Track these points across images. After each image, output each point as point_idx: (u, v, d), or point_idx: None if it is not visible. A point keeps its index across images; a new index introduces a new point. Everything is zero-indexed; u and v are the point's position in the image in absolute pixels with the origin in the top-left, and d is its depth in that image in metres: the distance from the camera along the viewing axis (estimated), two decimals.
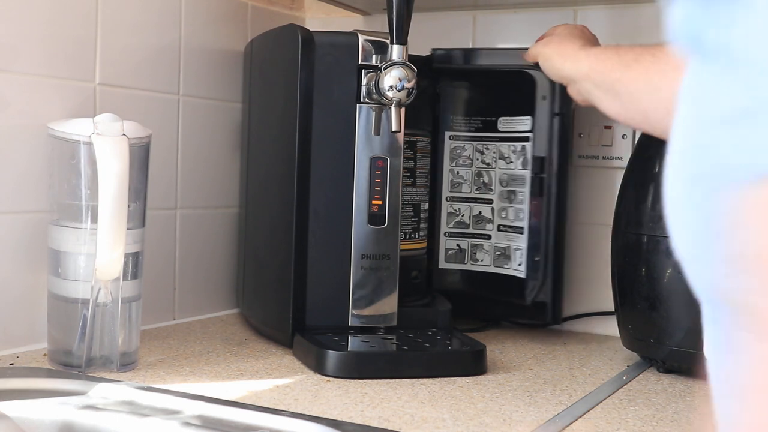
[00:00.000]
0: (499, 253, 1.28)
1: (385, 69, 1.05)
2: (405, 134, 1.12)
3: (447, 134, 1.31)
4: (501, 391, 0.98)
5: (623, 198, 1.13)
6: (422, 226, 1.22)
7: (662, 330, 1.06)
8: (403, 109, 1.11)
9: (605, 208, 1.31)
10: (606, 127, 1.32)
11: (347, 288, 1.13)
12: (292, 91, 1.12)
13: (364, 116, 1.12)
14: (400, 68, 1.05)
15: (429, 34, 1.19)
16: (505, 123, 1.27)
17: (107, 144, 0.94)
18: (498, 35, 1.40)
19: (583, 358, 1.17)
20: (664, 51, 0.89)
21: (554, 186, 1.22)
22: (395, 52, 1.06)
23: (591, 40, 1.09)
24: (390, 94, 1.05)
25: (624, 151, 1.30)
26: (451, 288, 1.30)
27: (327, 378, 1.00)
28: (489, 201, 1.29)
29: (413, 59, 1.07)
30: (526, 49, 1.15)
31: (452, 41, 1.37)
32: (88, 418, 0.85)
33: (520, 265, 1.25)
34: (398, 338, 1.12)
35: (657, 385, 1.04)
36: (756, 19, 0.37)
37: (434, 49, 1.27)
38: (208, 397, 0.89)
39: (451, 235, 1.31)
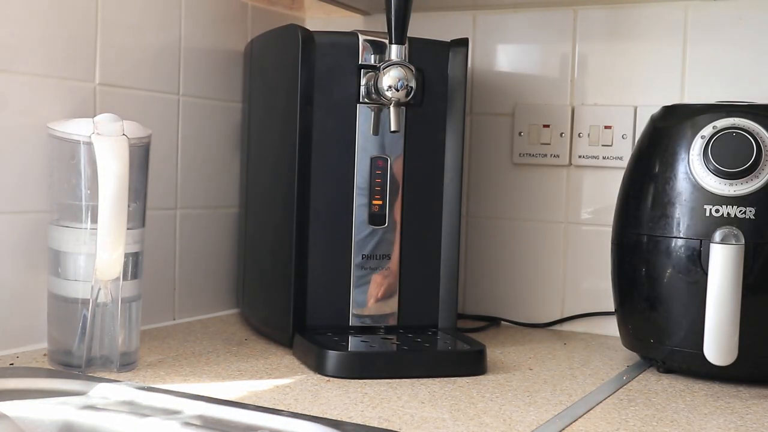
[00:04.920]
0: None
1: (383, 69, 1.06)
2: None
3: None
4: (501, 391, 0.98)
5: (623, 198, 1.13)
6: None
7: (662, 330, 1.06)
8: (402, 109, 1.11)
9: (605, 208, 1.31)
10: (606, 127, 1.32)
11: (347, 288, 1.13)
12: (292, 91, 1.12)
13: (364, 116, 1.12)
14: (399, 68, 1.05)
15: (429, 34, 1.19)
16: None
17: (107, 144, 0.94)
18: (498, 35, 1.40)
19: (583, 358, 1.17)
20: None
21: None
22: (394, 52, 1.06)
23: None
24: (389, 94, 1.05)
25: (624, 151, 1.31)
26: None
27: (327, 378, 1.00)
28: None
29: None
30: None
31: None
32: (88, 418, 0.85)
33: None
34: (398, 338, 1.12)
35: (657, 385, 1.04)
36: None
37: None
38: (208, 397, 0.89)
39: None
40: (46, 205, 1.03)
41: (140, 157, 0.99)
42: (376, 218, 1.14)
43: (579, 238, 1.35)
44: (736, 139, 1.02)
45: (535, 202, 1.38)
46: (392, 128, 1.07)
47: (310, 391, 0.95)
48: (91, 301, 0.97)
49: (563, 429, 0.85)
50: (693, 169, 1.04)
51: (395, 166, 1.14)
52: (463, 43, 1.17)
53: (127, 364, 1.00)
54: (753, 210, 1.01)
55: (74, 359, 0.98)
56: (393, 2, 1.05)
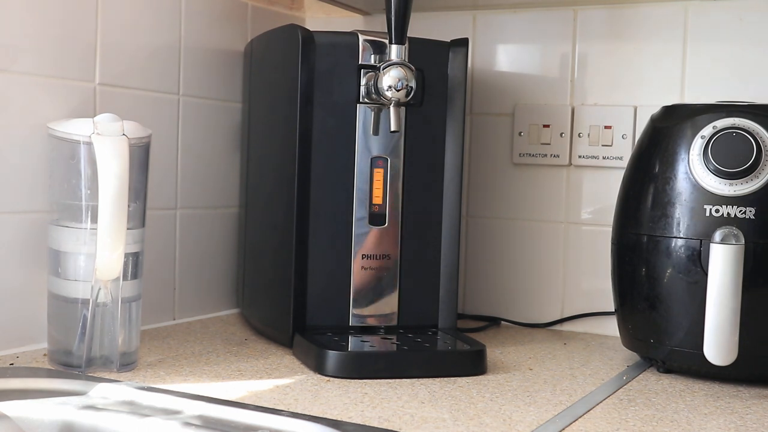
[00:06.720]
0: None
1: (383, 69, 1.06)
2: None
3: None
4: (501, 391, 0.98)
5: (623, 198, 1.13)
6: None
7: (662, 330, 1.06)
8: (402, 109, 1.11)
9: (605, 208, 1.31)
10: (606, 127, 1.32)
11: (347, 288, 1.13)
12: (292, 91, 1.12)
13: (364, 116, 1.12)
14: (399, 68, 1.05)
15: (429, 34, 1.19)
16: None
17: (107, 144, 0.94)
18: (498, 35, 1.40)
19: (583, 358, 1.17)
20: None
21: None
22: (394, 51, 1.06)
23: None
24: (389, 93, 1.05)
25: (624, 151, 1.31)
26: None
27: (327, 378, 1.00)
28: None
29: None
30: None
31: None
32: (88, 418, 0.85)
33: None
34: (398, 338, 1.12)
35: (657, 385, 1.04)
36: None
37: None
38: (208, 397, 0.89)
39: None
40: (46, 205, 1.03)
41: (140, 157, 0.99)
42: (376, 218, 1.14)
43: (579, 238, 1.35)
44: (736, 139, 1.02)
45: (535, 202, 1.38)
46: (392, 128, 1.07)
47: (310, 391, 0.95)
48: (91, 301, 0.97)
49: (563, 429, 0.85)
50: (693, 169, 1.04)
51: (395, 165, 1.14)
52: (463, 43, 1.17)
53: (127, 364, 1.00)
54: (753, 210, 1.01)
55: (74, 359, 0.98)
56: (393, 2, 1.05)
